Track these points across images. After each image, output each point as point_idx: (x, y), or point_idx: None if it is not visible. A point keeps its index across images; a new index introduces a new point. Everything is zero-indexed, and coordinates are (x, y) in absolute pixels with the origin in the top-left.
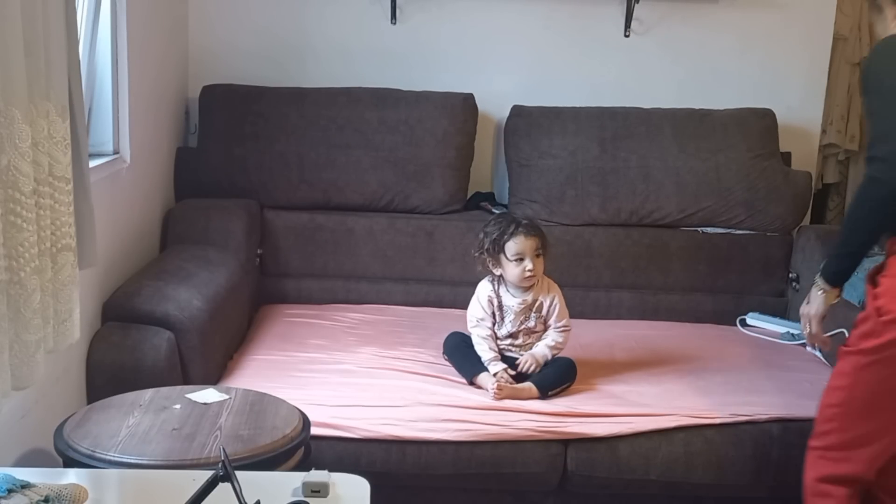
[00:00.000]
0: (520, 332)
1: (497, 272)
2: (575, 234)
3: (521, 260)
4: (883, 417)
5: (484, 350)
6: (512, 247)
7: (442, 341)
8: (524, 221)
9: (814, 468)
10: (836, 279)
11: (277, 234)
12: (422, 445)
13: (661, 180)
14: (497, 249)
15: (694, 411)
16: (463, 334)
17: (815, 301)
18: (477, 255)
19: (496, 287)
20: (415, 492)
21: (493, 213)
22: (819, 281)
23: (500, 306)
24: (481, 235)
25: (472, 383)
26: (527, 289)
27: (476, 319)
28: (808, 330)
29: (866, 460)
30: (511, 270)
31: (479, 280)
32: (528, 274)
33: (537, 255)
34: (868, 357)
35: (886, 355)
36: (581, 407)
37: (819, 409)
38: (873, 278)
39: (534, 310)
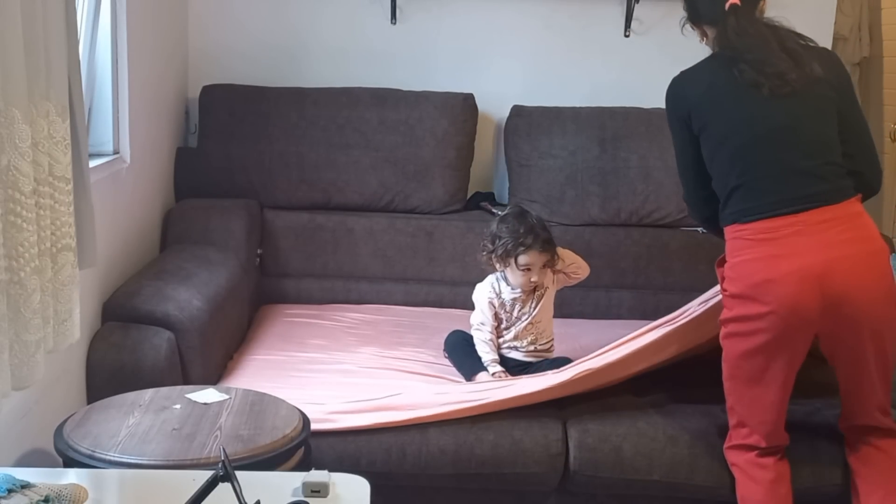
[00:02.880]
0: (522, 333)
1: (499, 269)
2: (575, 234)
3: (528, 271)
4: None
5: (485, 351)
6: (523, 259)
7: (442, 341)
8: (541, 234)
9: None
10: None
11: (277, 234)
12: (422, 445)
13: (661, 180)
14: (507, 256)
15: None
16: (464, 333)
17: None
18: (485, 255)
19: (497, 287)
20: (415, 492)
21: (493, 213)
22: None
23: (503, 304)
24: (493, 238)
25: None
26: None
27: (478, 323)
28: None
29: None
30: (516, 278)
31: (478, 280)
32: (532, 285)
33: (543, 267)
34: (725, 328)
35: (737, 328)
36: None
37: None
38: (721, 263)
39: (535, 295)
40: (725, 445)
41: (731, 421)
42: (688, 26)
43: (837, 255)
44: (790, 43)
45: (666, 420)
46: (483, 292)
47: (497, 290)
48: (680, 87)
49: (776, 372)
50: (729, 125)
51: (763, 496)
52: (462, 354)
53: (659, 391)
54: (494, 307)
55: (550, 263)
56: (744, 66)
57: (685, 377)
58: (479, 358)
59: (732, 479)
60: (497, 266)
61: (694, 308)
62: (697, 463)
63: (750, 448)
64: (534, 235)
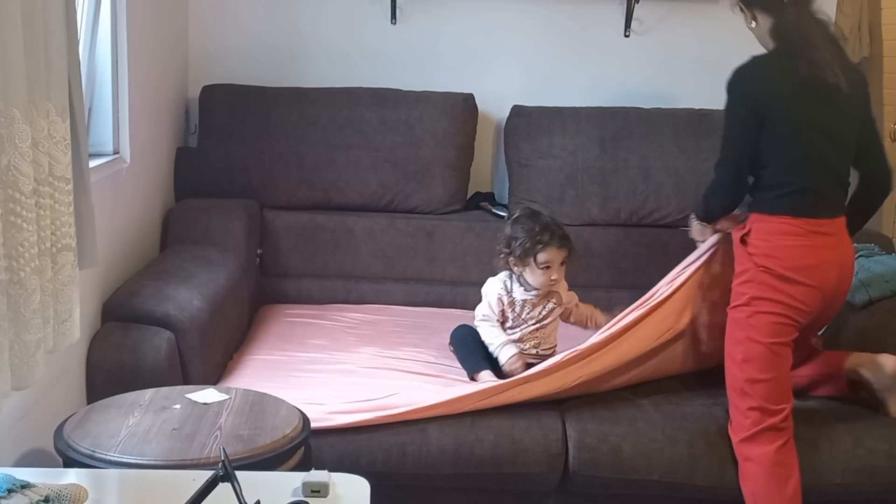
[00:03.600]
0: (528, 336)
1: (517, 271)
2: (575, 234)
3: (548, 269)
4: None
5: (495, 335)
6: (542, 257)
7: (442, 341)
8: (557, 231)
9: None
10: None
11: (277, 234)
12: (422, 445)
13: (661, 180)
14: (526, 255)
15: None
16: (472, 328)
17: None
18: (503, 258)
19: (509, 285)
20: (415, 492)
21: (493, 213)
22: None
23: (512, 303)
24: (509, 240)
25: (472, 379)
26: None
27: (482, 315)
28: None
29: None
30: (536, 277)
31: (478, 280)
32: (552, 283)
33: (561, 264)
34: (753, 307)
35: (772, 307)
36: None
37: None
38: (743, 239)
39: (551, 299)
40: (740, 438)
41: (747, 406)
42: (737, 8)
43: (849, 255)
44: (835, 45)
45: (665, 420)
46: (494, 287)
47: (508, 288)
48: (757, 78)
49: (790, 347)
50: (801, 128)
51: (777, 493)
52: (466, 350)
53: (658, 391)
54: (503, 304)
55: (568, 260)
56: (805, 65)
57: (684, 377)
58: (484, 356)
59: (732, 477)
60: (516, 268)
61: (663, 288)
62: (697, 463)
63: (769, 435)
64: (550, 232)
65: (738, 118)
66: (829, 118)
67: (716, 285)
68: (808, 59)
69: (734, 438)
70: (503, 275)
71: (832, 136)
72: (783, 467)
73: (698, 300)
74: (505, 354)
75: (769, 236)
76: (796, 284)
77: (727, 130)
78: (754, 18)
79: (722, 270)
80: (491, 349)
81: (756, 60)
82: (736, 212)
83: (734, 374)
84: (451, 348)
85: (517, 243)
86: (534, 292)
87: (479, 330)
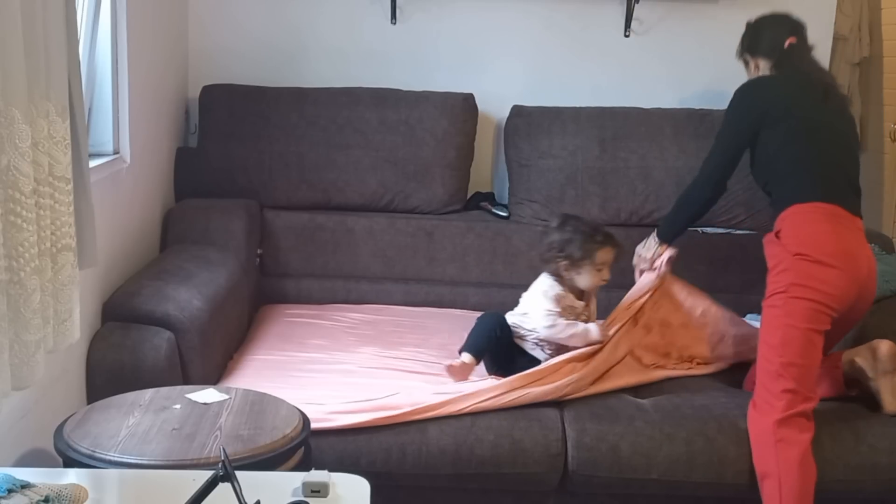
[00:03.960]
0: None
1: (569, 275)
2: None
3: (601, 269)
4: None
5: (571, 325)
6: (601, 256)
7: (442, 341)
8: (606, 231)
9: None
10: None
11: (277, 234)
12: (422, 445)
13: (661, 180)
14: (584, 256)
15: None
16: (503, 320)
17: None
18: (557, 256)
19: (559, 288)
20: (415, 492)
21: (493, 213)
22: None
23: (566, 305)
24: (563, 245)
25: (459, 353)
26: (583, 292)
27: (551, 322)
28: (640, 265)
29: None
30: (591, 278)
31: (478, 280)
32: (603, 283)
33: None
34: (789, 293)
35: (805, 293)
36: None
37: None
38: (776, 235)
39: (588, 303)
40: (775, 419)
41: (781, 388)
42: (742, 60)
43: (873, 259)
44: (831, 83)
45: (663, 418)
46: (551, 288)
47: (562, 289)
48: (761, 88)
49: (822, 337)
50: (813, 124)
51: (804, 482)
52: (482, 333)
53: (656, 390)
54: (561, 304)
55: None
56: (808, 80)
57: (682, 377)
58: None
59: (731, 474)
60: (567, 272)
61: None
62: (695, 460)
63: (802, 423)
64: (603, 233)
65: (735, 122)
66: (832, 119)
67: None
68: (806, 75)
69: (767, 420)
70: (548, 279)
71: (837, 135)
72: (811, 464)
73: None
74: (594, 332)
75: (802, 226)
76: (831, 268)
77: (722, 133)
78: (756, 66)
79: (656, 315)
80: (574, 340)
81: (758, 77)
82: (672, 252)
83: (769, 357)
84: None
85: (574, 245)
86: (570, 297)
87: (552, 330)
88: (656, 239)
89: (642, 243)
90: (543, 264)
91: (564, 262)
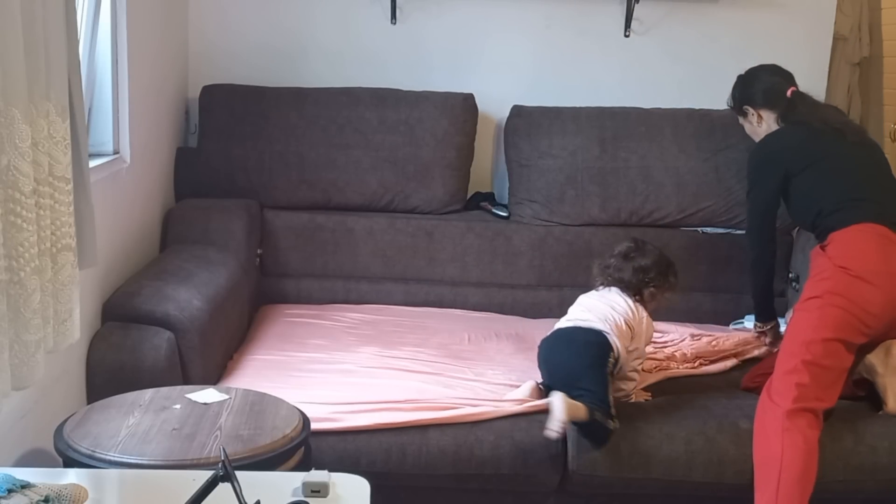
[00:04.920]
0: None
1: (648, 301)
2: (575, 234)
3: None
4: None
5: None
6: (675, 285)
7: (442, 341)
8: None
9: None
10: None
11: (277, 234)
12: (422, 446)
13: (661, 180)
14: (671, 286)
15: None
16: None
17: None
18: (649, 280)
19: None
20: (415, 492)
21: (493, 213)
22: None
23: None
24: (658, 262)
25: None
26: None
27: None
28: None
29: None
30: (658, 304)
31: (478, 280)
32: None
33: None
34: (823, 300)
35: (839, 301)
36: None
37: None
38: (822, 247)
39: None
40: (787, 409)
41: (795, 381)
42: (742, 112)
43: None
44: (843, 117)
45: (662, 418)
46: (648, 315)
47: None
48: (776, 141)
49: (853, 352)
50: (841, 161)
51: (808, 476)
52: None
53: (656, 390)
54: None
55: None
56: (822, 123)
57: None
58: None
59: (730, 473)
60: (650, 296)
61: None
62: (695, 460)
63: (810, 419)
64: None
65: (764, 179)
66: (855, 152)
67: None
68: (819, 120)
69: (778, 408)
70: (632, 302)
71: (866, 163)
72: (815, 459)
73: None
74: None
75: (850, 243)
76: (872, 286)
77: (753, 194)
78: (760, 117)
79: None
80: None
81: (766, 136)
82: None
83: (792, 351)
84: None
85: (672, 273)
86: None
87: (641, 361)
88: (757, 325)
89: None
90: (618, 284)
91: (652, 289)
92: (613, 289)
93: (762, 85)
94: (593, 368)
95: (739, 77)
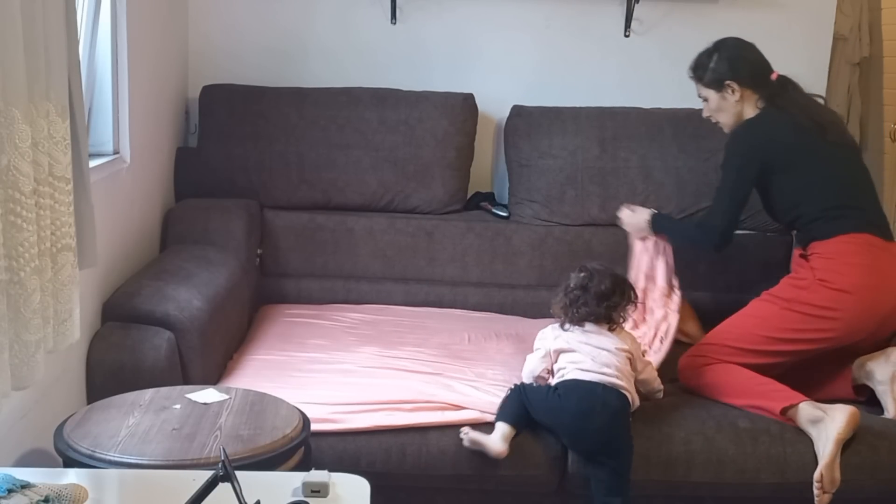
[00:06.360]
0: None
1: (621, 323)
2: (575, 234)
3: None
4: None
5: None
6: (636, 297)
7: (442, 341)
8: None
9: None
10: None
11: (277, 234)
12: (422, 446)
13: (661, 180)
14: (633, 300)
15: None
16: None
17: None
18: (618, 304)
19: None
20: (415, 492)
21: (493, 213)
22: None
23: None
24: (616, 284)
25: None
26: None
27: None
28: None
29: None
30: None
31: (478, 280)
32: None
33: None
34: (794, 305)
35: (811, 312)
36: None
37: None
38: (805, 256)
39: None
40: (737, 361)
41: (738, 360)
42: (723, 87)
43: None
44: (825, 109)
45: (661, 418)
46: (626, 337)
47: None
48: (763, 131)
49: (801, 358)
50: (822, 162)
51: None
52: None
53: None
54: None
55: None
56: (805, 117)
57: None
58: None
59: (730, 473)
60: (629, 315)
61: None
62: (694, 460)
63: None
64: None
65: (741, 167)
66: (838, 152)
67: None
68: (806, 113)
69: (726, 365)
70: (609, 335)
71: (848, 166)
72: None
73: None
74: None
75: (832, 257)
76: (852, 298)
77: (726, 180)
78: (741, 96)
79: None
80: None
81: (751, 119)
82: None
83: (741, 334)
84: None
85: (627, 284)
86: None
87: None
88: (649, 224)
89: (632, 209)
90: (587, 318)
91: (619, 311)
92: (587, 326)
93: (750, 60)
94: (627, 441)
95: (718, 48)
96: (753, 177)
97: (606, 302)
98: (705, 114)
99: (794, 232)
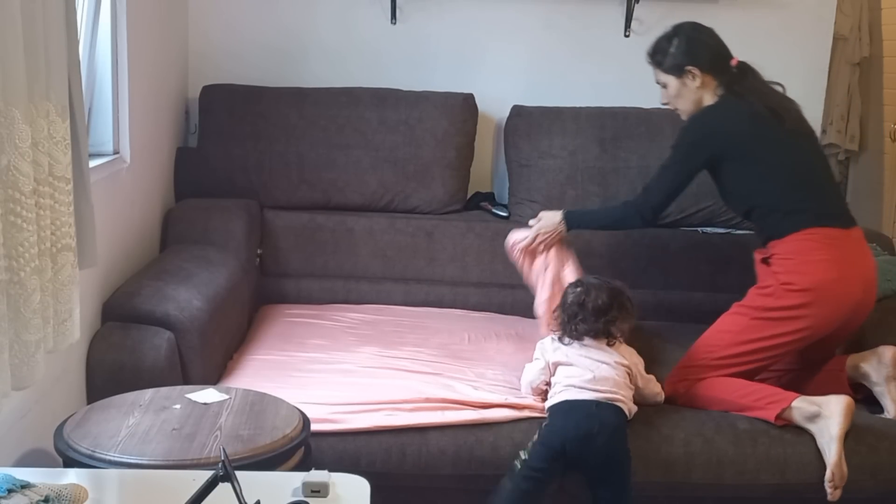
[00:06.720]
0: None
1: (620, 336)
2: (575, 235)
3: None
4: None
5: None
6: (634, 309)
7: (442, 341)
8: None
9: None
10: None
11: (277, 234)
12: (422, 446)
13: None
14: (631, 313)
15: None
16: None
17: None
18: (617, 318)
19: None
20: (415, 492)
21: (493, 213)
22: (563, 223)
23: None
24: (613, 297)
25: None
26: None
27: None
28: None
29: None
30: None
31: (478, 280)
32: None
33: None
34: (762, 313)
35: (779, 315)
36: None
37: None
38: (765, 261)
39: None
40: (700, 376)
41: (723, 372)
42: (683, 72)
43: (872, 271)
44: (784, 98)
45: (660, 419)
46: (623, 351)
47: None
48: (722, 121)
49: (781, 359)
50: (780, 151)
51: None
52: None
53: None
54: None
55: None
56: (764, 105)
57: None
58: None
59: (730, 475)
60: (624, 330)
61: None
62: (694, 461)
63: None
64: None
65: (689, 154)
66: (796, 141)
67: None
68: (765, 102)
69: (712, 377)
70: (608, 350)
71: (806, 155)
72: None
73: None
74: None
75: (793, 255)
76: (817, 299)
77: (673, 161)
78: (702, 82)
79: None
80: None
81: (710, 106)
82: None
83: (719, 349)
84: None
85: (625, 296)
86: None
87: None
88: (563, 221)
89: (535, 223)
90: (587, 335)
91: (618, 324)
92: (586, 340)
93: (710, 45)
94: (625, 455)
95: (678, 33)
96: (701, 164)
97: (604, 317)
98: (663, 100)
99: (753, 228)
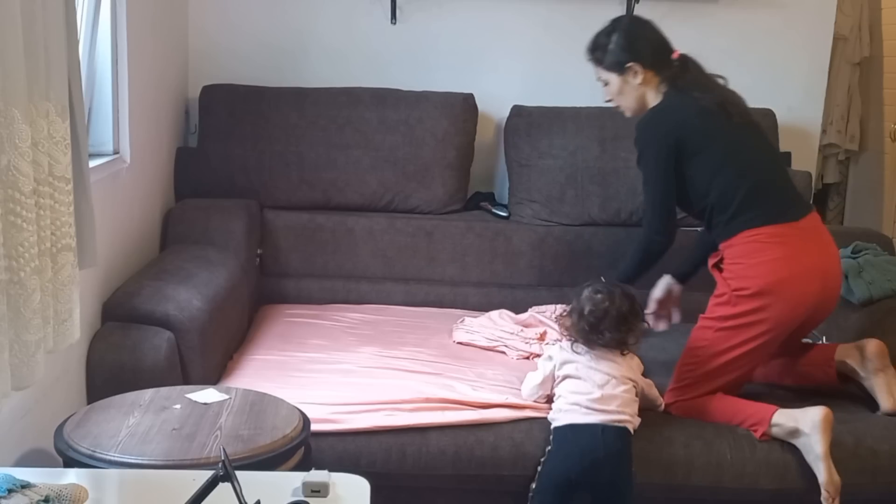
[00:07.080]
0: None
1: (634, 344)
2: (575, 234)
3: None
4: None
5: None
6: (643, 315)
7: (442, 341)
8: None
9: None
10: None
11: (277, 234)
12: (422, 446)
13: None
14: (642, 321)
15: None
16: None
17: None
18: (634, 327)
19: None
20: (415, 492)
21: (493, 213)
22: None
23: None
24: (632, 305)
25: None
26: None
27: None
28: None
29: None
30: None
31: (479, 280)
32: None
33: None
34: (723, 323)
35: (739, 322)
36: None
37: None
38: (717, 266)
39: None
40: (696, 393)
41: (706, 390)
42: (625, 69)
43: (833, 255)
44: (728, 90)
45: (661, 421)
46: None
47: None
48: (666, 119)
49: (761, 359)
50: (728, 147)
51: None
52: None
53: None
54: None
55: None
56: (710, 100)
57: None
58: None
59: (730, 477)
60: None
61: None
62: (694, 463)
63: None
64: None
65: (658, 161)
66: (745, 135)
67: None
68: (710, 94)
69: (699, 396)
70: (620, 361)
71: (755, 149)
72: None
73: None
74: None
75: (741, 258)
76: (771, 301)
77: (647, 175)
78: (645, 79)
79: None
80: None
81: (656, 107)
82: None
83: (699, 365)
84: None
85: (637, 304)
86: None
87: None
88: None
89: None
90: (606, 345)
91: (635, 333)
92: (598, 350)
93: (650, 39)
94: (629, 477)
95: (616, 28)
96: (672, 165)
97: (625, 325)
98: (606, 97)
99: (708, 229)
